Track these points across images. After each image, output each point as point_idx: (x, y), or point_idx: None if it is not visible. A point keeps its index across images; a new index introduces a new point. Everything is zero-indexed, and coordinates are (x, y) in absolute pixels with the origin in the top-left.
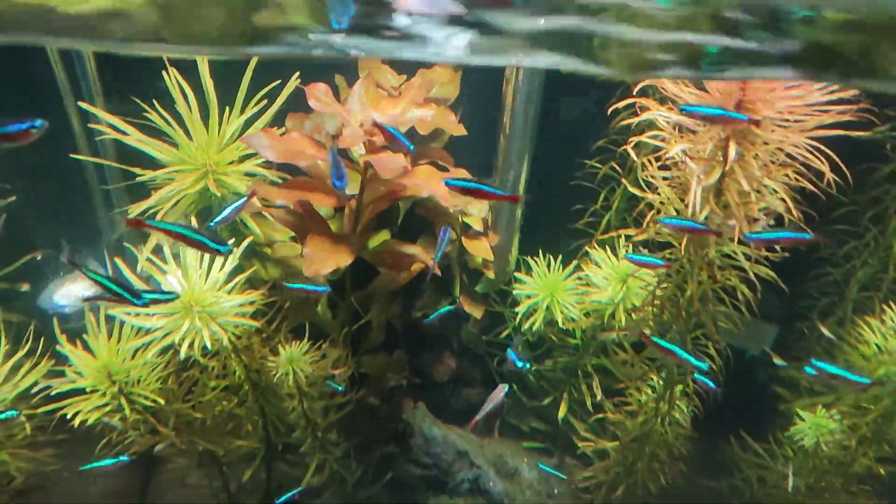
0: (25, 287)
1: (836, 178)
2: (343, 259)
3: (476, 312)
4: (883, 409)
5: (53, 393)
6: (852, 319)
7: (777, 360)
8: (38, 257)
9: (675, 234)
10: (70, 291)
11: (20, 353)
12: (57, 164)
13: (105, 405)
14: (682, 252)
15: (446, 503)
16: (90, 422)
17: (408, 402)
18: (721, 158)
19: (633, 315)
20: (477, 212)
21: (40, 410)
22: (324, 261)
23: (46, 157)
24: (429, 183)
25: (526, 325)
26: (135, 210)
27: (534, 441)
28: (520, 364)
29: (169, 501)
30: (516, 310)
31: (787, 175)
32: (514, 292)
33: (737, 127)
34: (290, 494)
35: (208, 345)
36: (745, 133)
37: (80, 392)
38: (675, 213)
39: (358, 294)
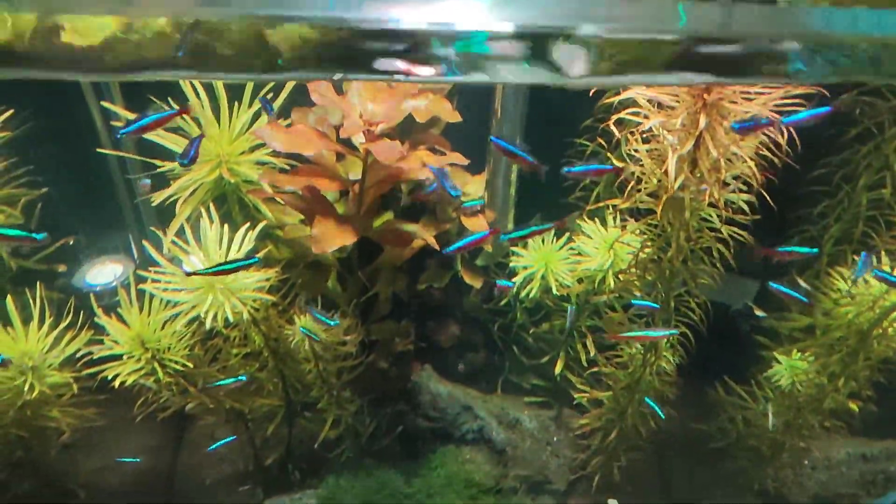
0: (62, 268)
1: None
2: (348, 238)
3: (476, 283)
4: (849, 349)
5: (95, 358)
6: (827, 271)
7: (758, 312)
8: (71, 242)
9: (654, 201)
10: (101, 272)
11: (63, 325)
12: (83, 159)
13: (140, 369)
14: (660, 217)
15: (453, 451)
16: (128, 383)
17: (415, 364)
18: (693, 130)
19: (621, 277)
20: (474, 191)
21: (84, 373)
22: (330, 240)
23: (73, 153)
24: (425, 167)
25: (524, 293)
26: (157, 198)
27: (534, 396)
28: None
29: (201, 454)
30: (514, 280)
31: (760, 144)
32: (511, 264)
33: (707, 100)
34: None
35: (230, 317)
36: (714, 105)
37: (117, 357)
38: (656, 183)
39: (365, 269)
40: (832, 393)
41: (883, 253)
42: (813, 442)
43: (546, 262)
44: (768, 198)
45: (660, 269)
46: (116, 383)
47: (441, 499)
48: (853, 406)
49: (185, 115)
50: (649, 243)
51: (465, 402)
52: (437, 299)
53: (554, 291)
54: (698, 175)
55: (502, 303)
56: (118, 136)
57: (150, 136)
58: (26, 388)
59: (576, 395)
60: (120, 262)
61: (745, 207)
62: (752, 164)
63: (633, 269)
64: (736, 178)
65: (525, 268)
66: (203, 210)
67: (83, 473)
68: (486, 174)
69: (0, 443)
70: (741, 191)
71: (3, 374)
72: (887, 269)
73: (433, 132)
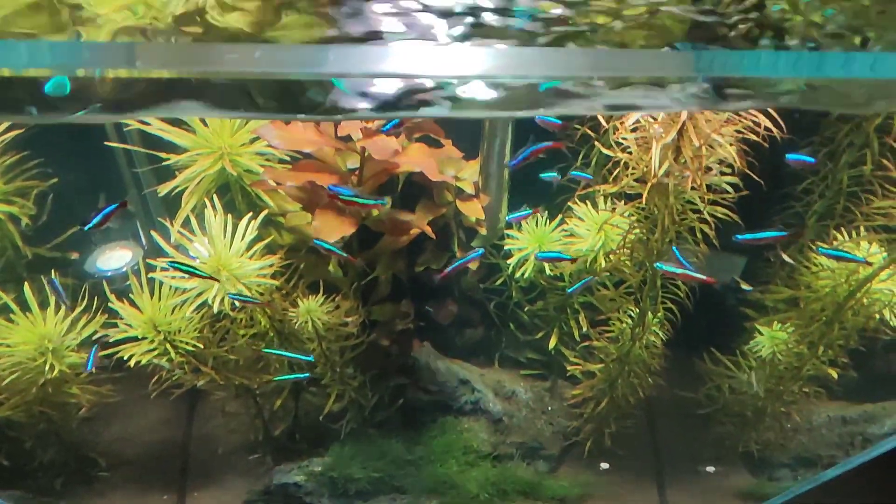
0: (75, 255)
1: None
2: (347, 228)
3: (472, 265)
4: (826, 319)
5: (111, 340)
6: (810, 246)
7: (744, 286)
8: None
9: (641, 186)
10: (111, 258)
11: (78, 309)
12: (92, 152)
13: (153, 350)
14: (645, 201)
15: (452, 422)
16: (143, 363)
17: (416, 341)
18: (676, 118)
19: (612, 257)
20: (468, 176)
21: (101, 353)
22: (330, 230)
23: (83, 146)
24: (419, 160)
25: (519, 273)
26: (163, 189)
27: (530, 369)
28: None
29: (213, 426)
30: (509, 262)
31: (738, 131)
32: (506, 247)
33: None
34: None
35: (236, 303)
36: None
37: (132, 339)
38: (644, 169)
39: (365, 254)
40: (811, 361)
41: (862, 229)
42: (795, 406)
43: (539, 244)
44: (753, 175)
45: (647, 249)
46: (132, 363)
47: (440, 464)
48: (832, 373)
49: None
50: (637, 225)
51: (462, 375)
52: (435, 279)
53: (547, 271)
54: (682, 161)
55: (498, 282)
56: None
57: (152, 130)
58: (47, 368)
59: (569, 368)
60: (129, 249)
61: (730, 189)
62: (732, 150)
63: (623, 250)
64: (720, 161)
65: (520, 249)
66: (207, 200)
67: (103, 443)
68: (480, 159)
69: (25, 416)
70: (724, 173)
71: (25, 355)
72: (865, 243)
73: (428, 120)
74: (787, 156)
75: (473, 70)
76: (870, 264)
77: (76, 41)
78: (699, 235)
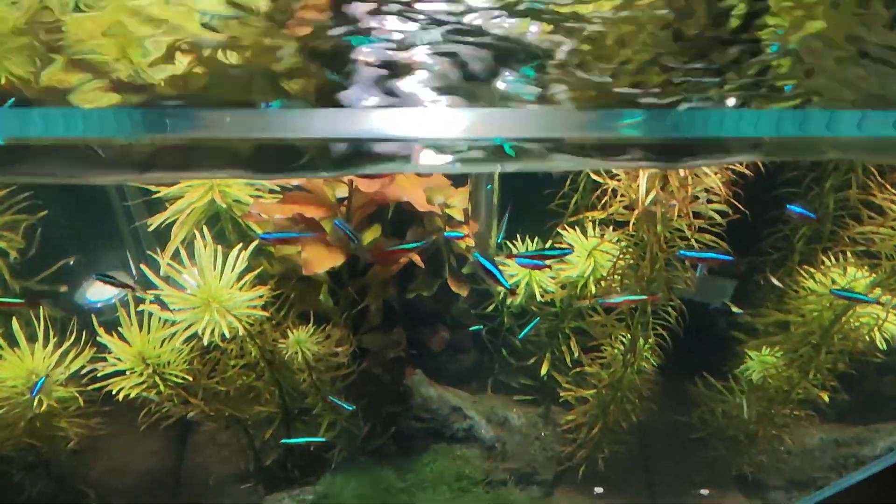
0: (63, 288)
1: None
2: (337, 259)
3: (462, 291)
4: (813, 341)
5: (99, 374)
6: (798, 270)
7: (735, 309)
8: (71, 262)
9: (630, 213)
10: (100, 289)
11: (67, 343)
12: (83, 185)
13: (142, 383)
14: (633, 228)
15: (444, 449)
16: (131, 396)
17: (408, 369)
18: None
19: (602, 283)
20: (458, 203)
21: (90, 388)
22: (320, 262)
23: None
24: (407, 190)
25: (510, 300)
26: (154, 221)
27: (523, 395)
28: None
29: (204, 456)
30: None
31: None
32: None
33: None
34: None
35: (226, 333)
36: None
37: (120, 373)
38: (632, 197)
39: (355, 282)
40: (800, 384)
41: (849, 253)
42: (787, 430)
43: (530, 270)
44: (739, 206)
45: (637, 276)
46: (120, 397)
47: (433, 491)
48: (823, 396)
49: None
50: (626, 252)
51: (454, 403)
52: (426, 306)
53: (538, 297)
54: (669, 190)
55: (489, 308)
56: None
57: None
58: (35, 403)
59: (562, 394)
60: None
61: (717, 217)
62: (717, 180)
63: (613, 276)
64: (706, 190)
65: (510, 275)
66: (197, 232)
67: (93, 475)
68: (469, 185)
69: (13, 449)
70: (711, 201)
71: (13, 390)
72: (851, 267)
73: None
74: (788, 206)
75: (458, 131)
76: (881, 304)
77: (72, 109)
78: (687, 263)
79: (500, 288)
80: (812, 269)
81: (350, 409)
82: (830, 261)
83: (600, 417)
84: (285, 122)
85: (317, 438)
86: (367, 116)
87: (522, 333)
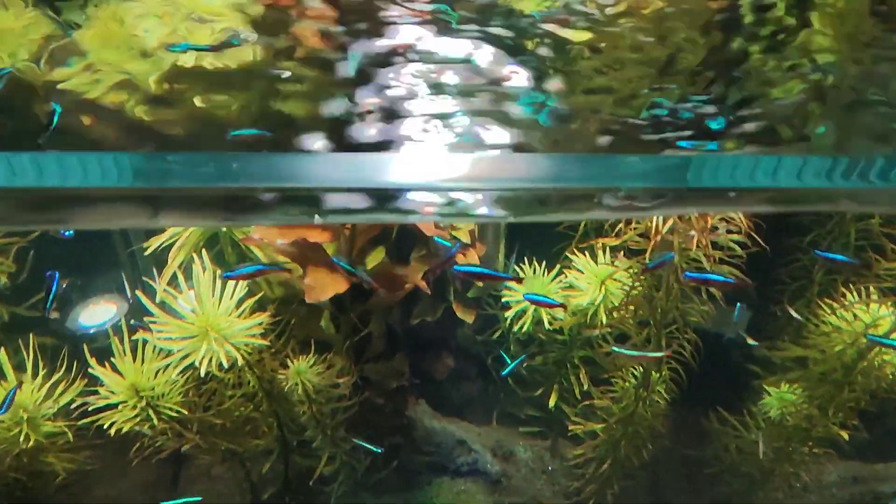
0: (55, 315)
1: None
2: (341, 286)
3: (468, 317)
4: (834, 380)
5: (90, 409)
6: (817, 302)
7: (750, 341)
8: (64, 285)
9: (644, 241)
10: (94, 313)
11: (56, 375)
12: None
13: (135, 416)
14: (649, 258)
15: (448, 483)
16: (124, 430)
17: (411, 399)
18: None
19: (615, 315)
20: (464, 226)
21: (80, 423)
22: (323, 288)
23: None
24: None
25: (517, 327)
26: (152, 244)
27: (530, 426)
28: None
29: (198, 491)
30: (507, 314)
31: None
32: (504, 299)
33: None
34: None
35: (224, 363)
36: None
37: (112, 406)
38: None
39: (358, 308)
40: (820, 422)
41: (872, 287)
42: (804, 466)
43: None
44: (757, 238)
45: (651, 307)
46: (112, 431)
47: None
48: (843, 434)
49: None
50: (640, 281)
51: (459, 436)
52: (430, 332)
53: (546, 325)
54: (687, 219)
55: (496, 335)
56: None
57: None
58: (21, 439)
59: (571, 427)
60: (113, 303)
61: (737, 248)
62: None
63: (626, 307)
64: (726, 220)
65: (518, 301)
66: (196, 255)
67: None
68: None
69: None
70: (731, 231)
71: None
72: (874, 301)
73: None
74: (815, 252)
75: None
76: None
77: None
78: (704, 295)
79: (507, 314)
80: (833, 303)
81: (378, 451)
82: (852, 295)
83: (611, 452)
84: (294, 169)
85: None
86: (377, 162)
87: (506, 371)
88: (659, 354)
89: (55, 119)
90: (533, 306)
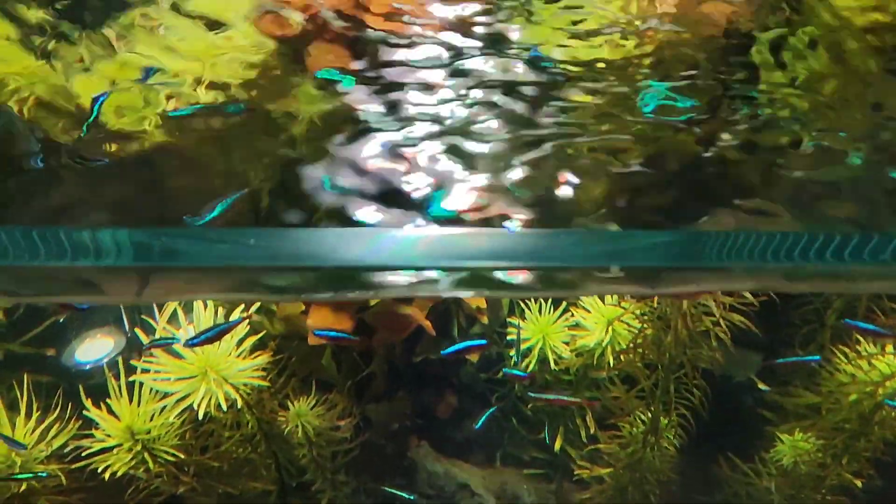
0: (51, 352)
1: None
2: (344, 325)
3: (471, 356)
4: (851, 430)
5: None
6: (830, 347)
7: (761, 386)
8: (60, 320)
9: None
10: (90, 348)
11: (51, 417)
12: None
13: (130, 460)
14: (657, 301)
15: None
16: (118, 474)
17: (413, 440)
18: None
19: (622, 358)
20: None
21: (73, 466)
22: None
23: None
24: None
25: (522, 366)
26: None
27: (534, 468)
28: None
29: None
30: (511, 353)
31: None
32: (509, 337)
33: None
34: None
35: (223, 404)
36: None
37: (107, 449)
38: None
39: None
40: (834, 471)
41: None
42: None
43: (543, 335)
44: None
45: (659, 352)
46: (106, 475)
47: None
48: (857, 483)
49: None
50: (649, 325)
51: (461, 479)
52: (433, 369)
53: (552, 365)
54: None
55: (499, 374)
56: None
57: None
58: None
59: (576, 471)
60: (111, 336)
61: (748, 295)
62: None
63: (633, 351)
64: None
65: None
66: None
67: None
68: None
69: None
70: None
71: None
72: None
73: None
74: (845, 321)
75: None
76: None
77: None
78: (713, 341)
79: (511, 352)
80: (846, 349)
81: (411, 498)
82: (867, 346)
83: (617, 498)
84: (318, 244)
85: None
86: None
87: (479, 422)
88: (576, 400)
89: (96, 109)
90: (538, 347)
